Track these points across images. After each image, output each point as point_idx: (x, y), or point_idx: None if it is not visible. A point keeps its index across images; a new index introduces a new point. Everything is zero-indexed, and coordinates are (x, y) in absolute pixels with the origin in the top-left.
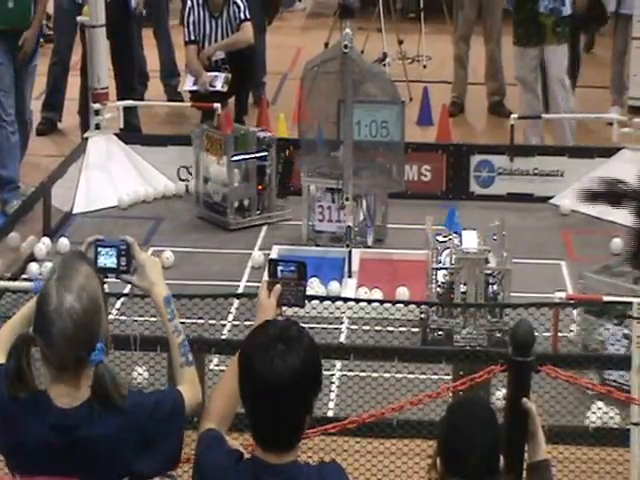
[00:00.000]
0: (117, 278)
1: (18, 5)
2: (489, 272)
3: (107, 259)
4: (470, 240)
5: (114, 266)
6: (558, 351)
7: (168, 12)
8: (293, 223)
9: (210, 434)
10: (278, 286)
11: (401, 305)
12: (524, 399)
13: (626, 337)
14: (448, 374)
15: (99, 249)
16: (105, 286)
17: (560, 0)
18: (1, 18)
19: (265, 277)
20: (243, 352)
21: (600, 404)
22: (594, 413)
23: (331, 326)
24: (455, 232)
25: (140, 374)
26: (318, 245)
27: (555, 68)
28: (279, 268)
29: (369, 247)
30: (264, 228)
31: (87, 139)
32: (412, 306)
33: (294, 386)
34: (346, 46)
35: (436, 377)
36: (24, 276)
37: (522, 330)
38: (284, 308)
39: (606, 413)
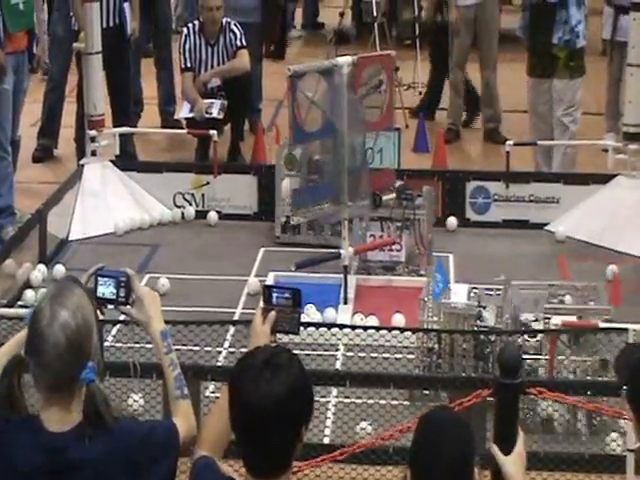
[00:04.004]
0: (115, 309)
1: (27, 6)
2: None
3: (106, 289)
4: (460, 294)
5: (113, 297)
6: (554, 377)
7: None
8: (289, 250)
9: (203, 461)
10: (272, 313)
11: (397, 332)
12: (492, 445)
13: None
14: (444, 401)
15: (99, 279)
16: (101, 315)
17: (575, 33)
18: (14, 21)
19: (260, 304)
20: (231, 379)
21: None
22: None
23: (327, 353)
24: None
25: (136, 401)
26: (370, 274)
27: (567, 101)
28: (274, 295)
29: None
30: (260, 253)
31: (83, 166)
32: (408, 333)
33: (281, 413)
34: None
35: (432, 404)
36: (20, 303)
37: (508, 353)
38: (279, 335)
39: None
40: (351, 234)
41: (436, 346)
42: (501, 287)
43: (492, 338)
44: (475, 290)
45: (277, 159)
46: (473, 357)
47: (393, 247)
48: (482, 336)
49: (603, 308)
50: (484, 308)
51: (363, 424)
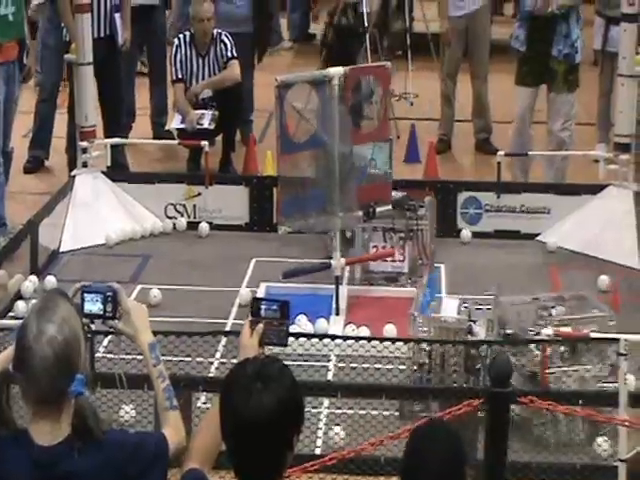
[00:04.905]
0: (103, 324)
1: (16, 16)
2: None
3: (93, 305)
4: (450, 308)
5: (100, 312)
6: (547, 387)
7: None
8: (281, 260)
9: (192, 474)
10: (260, 325)
11: (388, 342)
12: None
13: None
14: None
15: (85, 295)
16: (92, 325)
17: (575, 48)
18: (4, 31)
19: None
20: (222, 390)
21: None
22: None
23: (318, 363)
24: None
25: (127, 412)
26: (372, 285)
27: (564, 115)
28: (262, 307)
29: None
30: (252, 264)
31: (74, 177)
32: (399, 343)
33: (272, 424)
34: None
35: (424, 415)
36: (11, 314)
37: (500, 362)
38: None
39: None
40: (353, 244)
41: (427, 360)
42: (491, 301)
43: (482, 353)
44: (465, 304)
45: None
46: (464, 371)
47: (396, 258)
48: (472, 350)
49: (606, 315)
50: (474, 322)
51: (337, 429)
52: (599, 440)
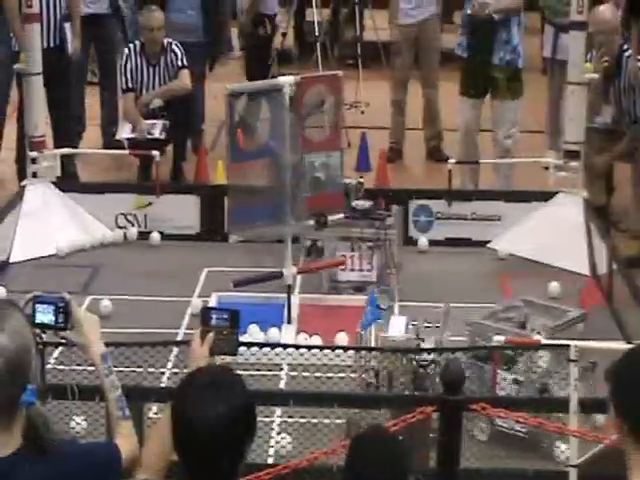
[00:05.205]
0: (55, 334)
1: None
2: (422, 361)
3: (45, 315)
4: (397, 327)
5: (52, 323)
6: (496, 393)
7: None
8: (233, 269)
9: None
10: (211, 335)
11: (340, 351)
12: None
13: (516, 382)
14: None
15: (37, 305)
16: (44, 336)
17: (517, 52)
18: None
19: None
20: (174, 400)
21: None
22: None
23: (270, 373)
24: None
25: (78, 423)
26: (339, 294)
27: (508, 122)
28: (212, 316)
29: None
30: (203, 274)
31: (24, 187)
32: (351, 352)
33: (224, 434)
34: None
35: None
36: None
37: (452, 370)
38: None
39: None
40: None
41: (374, 381)
42: (441, 319)
43: (430, 372)
44: (414, 322)
45: None
46: (413, 390)
47: (363, 267)
48: (421, 370)
49: (578, 315)
50: (423, 341)
51: (283, 434)
52: (560, 445)
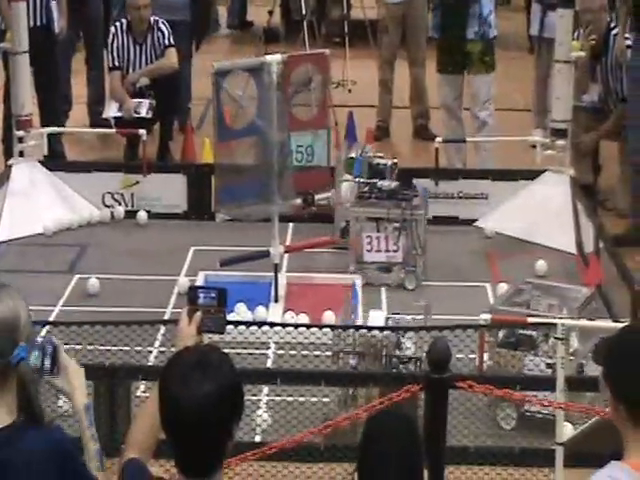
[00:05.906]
0: (40, 378)
1: None
2: (402, 358)
3: (33, 359)
4: (377, 321)
5: (38, 366)
6: (483, 372)
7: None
8: (219, 248)
9: (132, 463)
10: (198, 313)
11: (327, 329)
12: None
13: (549, 366)
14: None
15: None
16: None
17: (487, 23)
18: None
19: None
20: (161, 379)
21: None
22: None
23: (258, 351)
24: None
25: (66, 402)
26: (366, 275)
27: (483, 96)
28: (200, 295)
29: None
30: (190, 252)
31: (11, 166)
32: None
33: (212, 413)
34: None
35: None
36: None
37: (438, 348)
38: (207, 335)
39: None
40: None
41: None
42: (421, 313)
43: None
44: (394, 315)
45: (336, 163)
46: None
47: (390, 248)
48: (402, 366)
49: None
50: (403, 335)
51: (259, 412)
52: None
